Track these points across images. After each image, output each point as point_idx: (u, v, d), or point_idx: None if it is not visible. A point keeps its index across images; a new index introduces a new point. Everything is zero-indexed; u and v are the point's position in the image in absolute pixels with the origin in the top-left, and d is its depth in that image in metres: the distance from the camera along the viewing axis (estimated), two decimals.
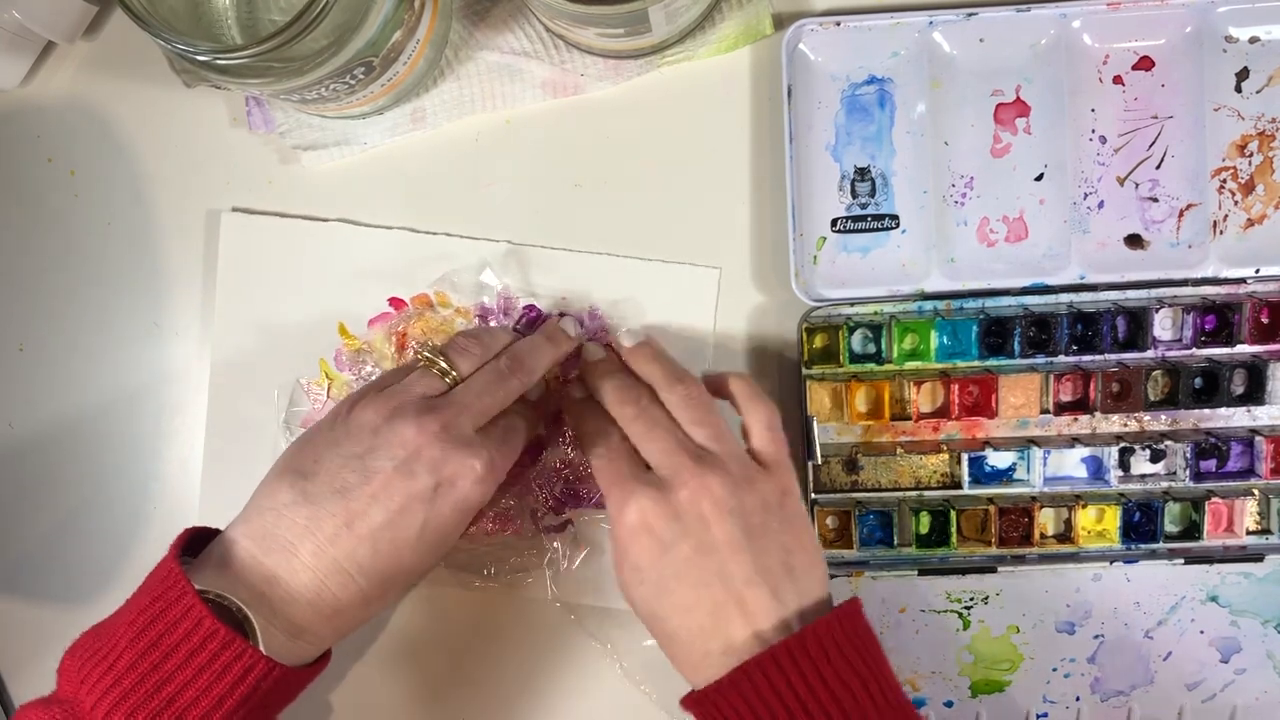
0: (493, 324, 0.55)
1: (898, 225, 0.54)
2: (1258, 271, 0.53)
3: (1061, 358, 0.53)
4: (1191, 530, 0.54)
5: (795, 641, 0.42)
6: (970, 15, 0.52)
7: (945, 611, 0.54)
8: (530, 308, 0.55)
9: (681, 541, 0.44)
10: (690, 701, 0.44)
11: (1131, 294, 0.53)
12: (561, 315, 0.54)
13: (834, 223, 0.54)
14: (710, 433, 0.47)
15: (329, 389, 0.56)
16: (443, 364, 0.47)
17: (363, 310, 0.55)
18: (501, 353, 0.49)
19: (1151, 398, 0.54)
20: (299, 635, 0.43)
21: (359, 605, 0.44)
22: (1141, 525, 0.54)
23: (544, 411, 0.54)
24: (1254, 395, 0.53)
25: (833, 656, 0.42)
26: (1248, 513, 0.54)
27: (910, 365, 0.54)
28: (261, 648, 0.41)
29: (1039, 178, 0.53)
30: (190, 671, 0.40)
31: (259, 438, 0.56)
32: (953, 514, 0.54)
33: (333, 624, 0.44)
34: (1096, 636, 0.54)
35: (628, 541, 0.45)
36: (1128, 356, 0.53)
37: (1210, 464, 0.54)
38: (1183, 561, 0.54)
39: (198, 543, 0.45)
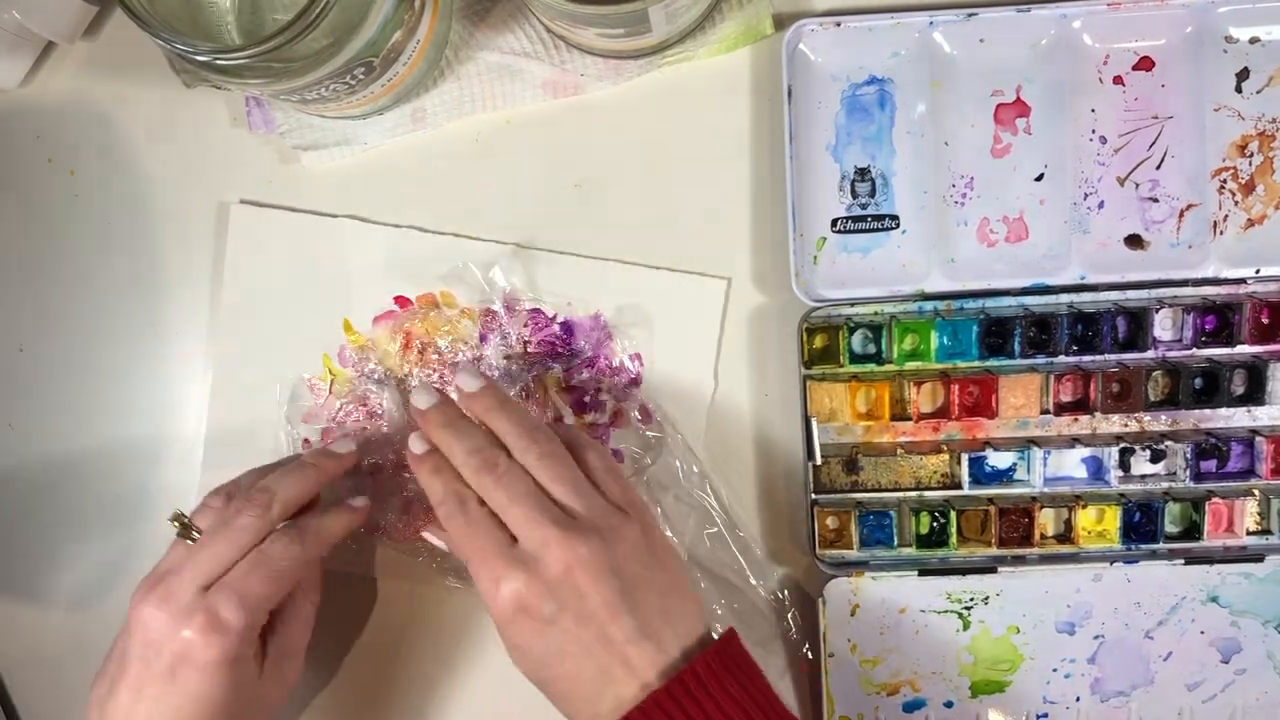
0: (498, 325, 0.55)
1: (898, 225, 0.54)
2: (1258, 272, 0.53)
3: (1061, 358, 0.53)
4: (1192, 530, 0.54)
5: (676, 683, 0.43)
6: (970, 15, 0.52)
7: (945, 612, 0.54)
8: (536, 312, 0.55)
9: (561, 616, 0.44)
10: None
11: (1131, 294, 0.53)
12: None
13: (834, 223, 0.54)
14: (570, 489, 0.45)
15: (331, 385, 0.56)
16: (188, 527, 0.47)
17: (368, 307, 0.55)
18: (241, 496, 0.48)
19: (1151, 398, 0.54)
20: None
21: None
22: (1142, 525, 0.54)
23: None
24: (1254, 395, 0.53)
25: (713, 689, 0.43)
26: (1248, 513, 0.54)
27: (910, 365, 0.54)
28: None
29: (1039, 178, 0.53)
30: None
31: (260, 437, 0.56)
32: (953, 514, 0.54)
33: None
34: (1097, 637, 0.54)
35: (505, 624, 0.45)
36: (1128, 357, 0.53)
37: (1210, 464, 0.54)
38: (1183, 562, 0.54)
39: None
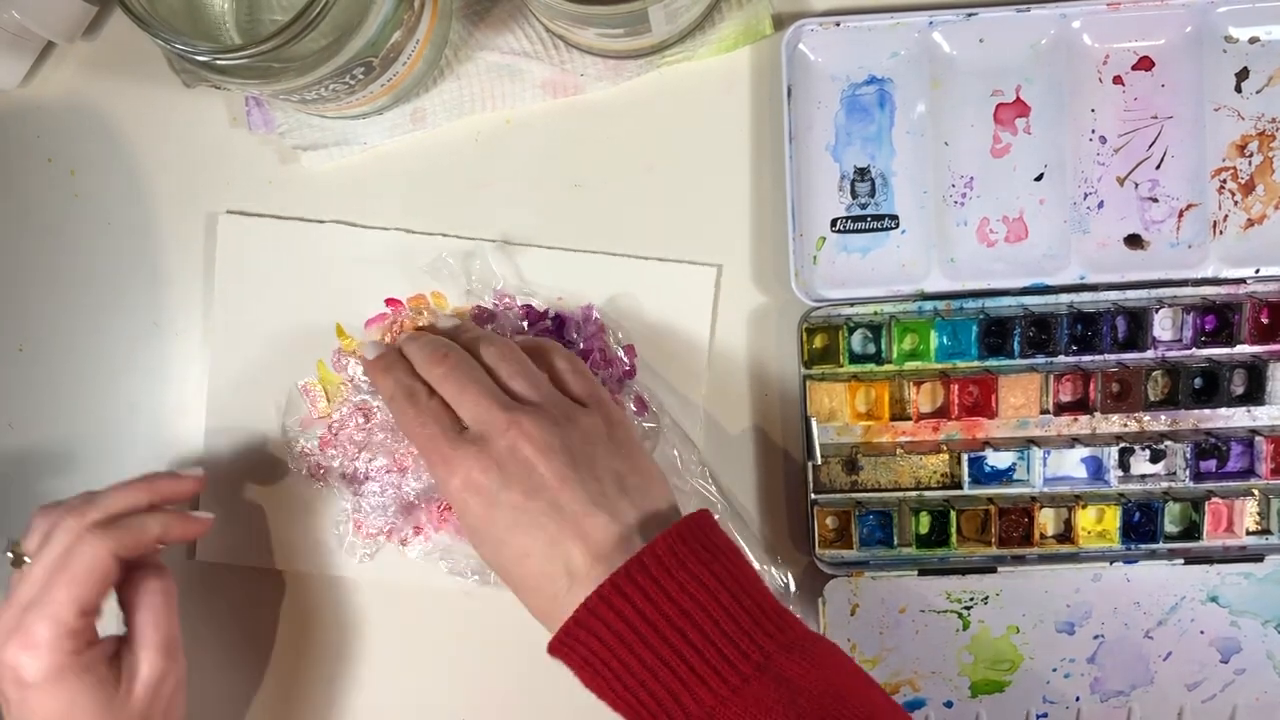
0: (490, 321, 0.55)
1: (897, 225, 0.54)
2: (1258, 272, 0.53)
3: (1061, 358, 0.53)
4: (1191, 530, 0.54)
5: (635, 563, 0.41)
6: (970, 15, 0.52)
7: (945, 611, 0.54)
8: (528, 308, 0.55)
9: (508, 490, 0.43)
10: (551, 649, 0.43)
11: (1131, 294, 0.53)
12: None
13: (834, 223, 0.54)
14: (526, 382, 0.46)
15: (326, 392, 0.55)
16: (19, 556, 0.47)
17: (361, 311, 0.55)
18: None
19: (1151, 398, 0.54)
20: None
21: None
22: (1141, 525, 0.54)
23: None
24: (1254, 395, 0.53)
25: (675, 571, 0.41)
26: (1248, 513, 0.54)
27: (910, 365, 0.54)
28: None
29: (1039, 178, 0.53)
30: None
31: (258, 440, 0.56)
32: (953, 514, 0.54)
33: None
34: (1096, 637, 0.54)
35: (460, 506, 0.45)
36: (1128, 356, 0.53)
37: (1210, 464, 0.54)
38: (1183, 562, 0.54)
39: None
